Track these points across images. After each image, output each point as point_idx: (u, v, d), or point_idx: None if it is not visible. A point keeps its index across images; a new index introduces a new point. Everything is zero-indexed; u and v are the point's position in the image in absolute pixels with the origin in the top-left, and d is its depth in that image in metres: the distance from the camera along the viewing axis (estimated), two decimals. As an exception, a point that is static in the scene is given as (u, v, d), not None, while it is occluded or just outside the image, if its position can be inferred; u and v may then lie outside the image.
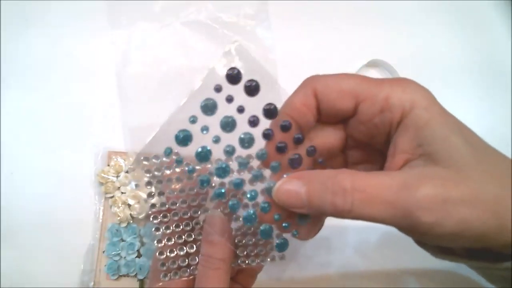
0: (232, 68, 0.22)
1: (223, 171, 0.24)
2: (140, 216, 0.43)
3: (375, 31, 0.54)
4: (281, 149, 0.23)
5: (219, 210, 0.28)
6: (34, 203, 0.45)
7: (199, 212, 0.29)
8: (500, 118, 0.52)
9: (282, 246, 0.27)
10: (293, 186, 0.22)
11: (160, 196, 0.29)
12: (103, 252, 0.42)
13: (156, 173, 0.28)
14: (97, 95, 0.49)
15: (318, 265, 0.44)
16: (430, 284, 0.44)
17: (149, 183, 0.28)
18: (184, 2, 0.49)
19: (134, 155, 0.44)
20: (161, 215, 0.29)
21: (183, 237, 0.30)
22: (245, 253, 0.30)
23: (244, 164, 0.24)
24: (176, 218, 0.29)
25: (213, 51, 0.49)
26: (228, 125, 0.23)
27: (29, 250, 0.43)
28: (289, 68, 0.51)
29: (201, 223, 0.29)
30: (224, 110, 0.22)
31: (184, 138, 0.23)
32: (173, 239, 0.29)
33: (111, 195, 0.44)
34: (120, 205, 0.43)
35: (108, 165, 0.45)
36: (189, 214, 0.29)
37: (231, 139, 0.24)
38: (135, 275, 0.42)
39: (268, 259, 0.30)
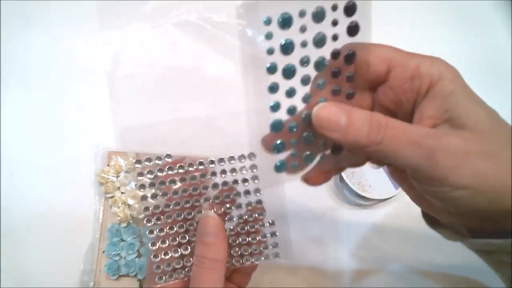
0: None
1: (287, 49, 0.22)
2: (140, 216, 0.43)
3: (375, 31, 0.54)
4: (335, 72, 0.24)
5: (212, 211, 0.29)
6: (34, 203, 0.45)
7: (192, 214, 0.29)
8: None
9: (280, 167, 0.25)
10: (335, 111, 0.23)
11: (154, 199, 0.29)
12: (103, 252, 0.42)
13: (148, 175, 0.28)
14: (97, 95, 0.49)
15: (311, 265, 0.44)
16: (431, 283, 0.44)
17: (141, 186, 0.29)
18: (175, 2, 0.49)
19: (134, 155, 0.45)
20: (154, 217, 0.29)
21: (177, 239, 0.30)
22: (239, 252, 0.30)
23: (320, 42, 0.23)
24: (169, 220, 0.29)
25: (205, 51, 0.50)
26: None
27: (29, 250, 0.43)
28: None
29: (195, 224, 0.30)
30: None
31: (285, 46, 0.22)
32: (167, 241, 0.30)
33: (111, 195, 0.44)
34: (120, 205, 0.43)
35: (108, 165, 0.45)
36: (182, 216, 0.29)
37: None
38: (135, 275, 0.42)
39: (262, 258, 0.31)
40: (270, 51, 0.22)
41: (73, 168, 0.46)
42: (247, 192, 0.30)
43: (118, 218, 0.43)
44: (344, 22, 0.23)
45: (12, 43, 0.51)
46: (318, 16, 0.22)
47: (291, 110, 0.24)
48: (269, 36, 0.21)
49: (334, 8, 0.22)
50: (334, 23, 0.23)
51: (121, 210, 0.43)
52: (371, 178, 0.46)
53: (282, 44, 0.22)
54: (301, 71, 0.23)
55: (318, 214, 0.46)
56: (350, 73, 0.24)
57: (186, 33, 0.48)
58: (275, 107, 0.23)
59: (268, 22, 0.21)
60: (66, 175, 0.46)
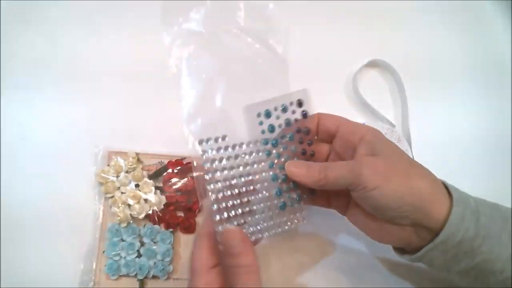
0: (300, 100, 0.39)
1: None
2: (140, 216, 0.43)
3: (375, 31, 0.54)
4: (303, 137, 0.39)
5: (229, 224, 0.34)
6: (34, 203, 0.45)
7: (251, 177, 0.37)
8: (500, 118, 0.52)
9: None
10: (299, 166, 0.36)
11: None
12: (103, 252, 0.42)
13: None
14: (98, 95, 0.49)
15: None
16: None
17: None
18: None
19: (134, 155, 0.45)
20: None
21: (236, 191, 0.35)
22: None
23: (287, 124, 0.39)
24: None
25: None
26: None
27: (29, 250, 0.43)
28: (292, 70, 0.52)
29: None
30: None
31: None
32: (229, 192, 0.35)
33: (111, 195, 0.44)
34: (120, 205, 0.43)
35: (108, 165, 0.45)
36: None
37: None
38: (135, 275, 0.42)
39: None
40: (264, 132, 0.38)
41: (73, 168, 0.46)
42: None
43: (118, 218, 0.43)
44: (299, 110, 0.39)
45: (12, 43, 0.51)
46: (285, 109, 0.39)
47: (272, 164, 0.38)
48: (261, 123, 0.38)
49: (291, 104, 0.39)
50: (293, 112, 0.39)
51: (121, 210, 0.43)
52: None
53: (269, 128, 0.38)
54: (280, 142, 0.38)
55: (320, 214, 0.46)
56: (309, 140, 0.39)
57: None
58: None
59: (258, 115, 0.38)
60: (66, 175, 0.46)
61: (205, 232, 0.34)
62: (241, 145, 0.37)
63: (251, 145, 0.37)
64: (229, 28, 0.49)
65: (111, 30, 0.52)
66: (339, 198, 0.39)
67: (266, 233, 0.36)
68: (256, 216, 0.36)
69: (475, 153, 0.50)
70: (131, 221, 0.43)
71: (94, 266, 0.42)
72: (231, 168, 0.36)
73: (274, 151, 0.38)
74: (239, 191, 0.35)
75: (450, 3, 0.56)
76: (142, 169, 0.45)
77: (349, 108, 0.51)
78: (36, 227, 0.44)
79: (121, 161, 0.45)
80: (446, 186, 0.34)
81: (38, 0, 0.52)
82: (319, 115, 0.39)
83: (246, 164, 0.36)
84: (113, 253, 0.42)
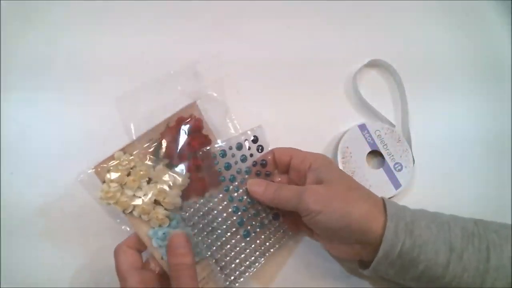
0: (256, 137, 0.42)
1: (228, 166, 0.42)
2: (176, 205, 0.39)
3: (375, 31, 0.54)
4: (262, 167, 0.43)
5: (180, 229, 0.39)
6: (34, 203, 0.45)
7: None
8: (500, 118, 0.52)
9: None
10: (259, 185, 0.40)
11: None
12: (161, 258, 0.39)
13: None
14: (97, 95, 0.49)
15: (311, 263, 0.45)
16: None
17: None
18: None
19: (121, 153, 0.43)
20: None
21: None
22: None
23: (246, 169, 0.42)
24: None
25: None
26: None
27: (29, 250, 0.43)
28: (293, 70, 0.52)
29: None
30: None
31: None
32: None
33: (130, 209, 0.39)
34: (149, 211, 0.39)
35: (104, 182, 0.39)
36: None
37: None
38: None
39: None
40: (220, 170, 0.41)
41: (73, 167, 0.46)
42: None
43: (157, 223, 0.39)
44: (254, 145, 0.42)
45: (12, 43, 0.51)
46: (239, 147, 0.42)
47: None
48: (216, 162, 0.41)
49: (246, 141, 0.42)
50: (249, 148, 0.42)
51: (156, 213, 0.39)
52: (371, 178, 0.46)
53: (225, 166, 0.41)
54: (237, 177, 0.42)
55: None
56: (267, 171, 0.42)
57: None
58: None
59: (214, 156, 0.41)
60: (66, 175, 0.46)
61: (126, 243, 0.38)
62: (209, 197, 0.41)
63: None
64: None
65: (111, 30, 0.52)
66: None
67: (256, 265, 0.41)
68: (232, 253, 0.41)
69: (475, 153, 0.50)
70: (169, 216, 0.40)
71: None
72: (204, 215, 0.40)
73: (231, 186, 0.41)
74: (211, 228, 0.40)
75: (450, 3, 0.56)
76: (141, 160, 0.40)
77: (349, 108, 0.51)
78: (36, 227, 0.44)
79: (114, 174, 0.39)
80: (384, 204, 0.37)
81: (38, 0, 0.52)
82: (274, 150, 0.42)
83: (212, 208, 0.41)
84: None
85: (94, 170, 0.40)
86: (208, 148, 0.41)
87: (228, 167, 0.41)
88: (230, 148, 0.41)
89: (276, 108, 0.50)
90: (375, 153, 0.47)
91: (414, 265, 0.34)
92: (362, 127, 0.47)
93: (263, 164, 0.42)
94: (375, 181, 0.46)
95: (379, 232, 0.35)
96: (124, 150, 0.41)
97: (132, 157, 0.41)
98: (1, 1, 0.52)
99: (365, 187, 0.39)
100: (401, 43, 0.54)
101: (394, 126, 0.49)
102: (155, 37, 0.52)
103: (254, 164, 0.42)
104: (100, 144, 0.46)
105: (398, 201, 0.47)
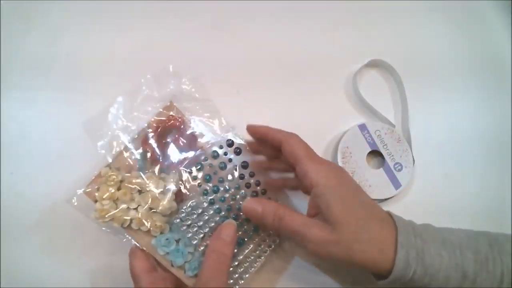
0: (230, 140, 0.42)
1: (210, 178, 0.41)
2: (173, 209, 0.39)
3: (375, 31, 0.54)
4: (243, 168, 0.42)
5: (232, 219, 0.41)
6: (34, 203, 0.45)
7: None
8: (500, 118, 0.52)
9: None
10: (255, 205, 0.38)
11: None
12: (172, 265, 0.39)
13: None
14: (97, 95, 0.48)
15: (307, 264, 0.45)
16: None
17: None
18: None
19: (107, 169, 0.41)
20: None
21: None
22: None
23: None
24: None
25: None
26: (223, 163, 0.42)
27: (29, 250, 0.43)
28: (292, 70, 0.52)
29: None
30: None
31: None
32: None
33: (127, 223, 0.39)
34: (147, 220, 0.39)
35: (96, 201, 0.39)
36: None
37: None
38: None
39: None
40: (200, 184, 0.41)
41: (73, 167, 0.46)
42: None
43: (157, 231, 0.39)
44: (230, 149, 0.41)
45: (12, 43, 0.51)
46: (215, 156, 0.41)
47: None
48: (194, 178, 0.41)
49: (221, 147, 0.41)
50: (225, 153, 0.41)
51: (154, 221, 0.39)
52: (371, 178, 0.46)
53: (206, 178, 0.41)
54: (221, 186, 0.41)
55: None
56: (251, 172, 0.42)
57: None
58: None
59: (190, 172, 0.40)
60: (66, 175, 0.46)
61: (139, 248, 0.39)
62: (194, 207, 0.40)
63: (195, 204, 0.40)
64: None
65: (111, 30, 0.52)
66: None
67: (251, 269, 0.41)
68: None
69: (475, 153, 0.50)
70: (171, 221, 0.40)
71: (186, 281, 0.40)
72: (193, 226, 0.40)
73: (218, 197, 0.41)
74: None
75: (450, 3, 0.56)
76: (128, 171, 0.40)
77: (349, 108, 0.51)
78: (36, 227, 0.44)
79: (105, 187, 0.39)
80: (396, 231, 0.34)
81: (38, 0, 0.52)
82: (284, 139, 0.38)
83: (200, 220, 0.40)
84: (183, 258, 0.39)
85: (83, 191, 0.39)
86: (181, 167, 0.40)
87: (209, 179, 0.40)
88: (205, 159, 0.41)
89: (276, 108, 0.50)
90: (375, 153, 0.47)
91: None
92: (362, 127, 0.47)
93: (244, 166, 0.41)
94: (375, 181, 0.46)
95: (390, 263, 0.33)
96: (109, 165, 0.40)
97: (119, 170, 0.40)
98: (1, 1, 0.52)
99: (373, 202, 0.36)
100: (401, 43, 0.54)
101: (394, 126, 0.49)
102: (155, 37, 0.52)
103: (235, 168, 0.41)
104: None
105: (398, 201, 0.47)
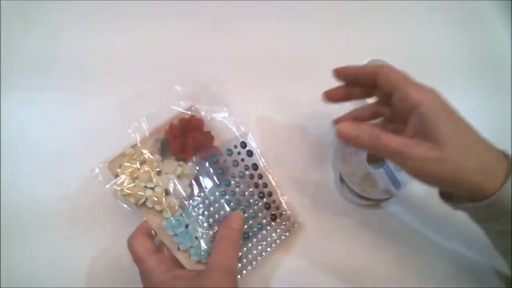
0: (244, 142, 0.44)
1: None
2: (186, 195, 0.41)
3: (375, 31, 0.54)
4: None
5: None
6: (34, 203, 0.45)
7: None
8: (500, 118, 0.52)
9: None
10: (349, 129, 0.36)
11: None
12: (178, 249, 0.40)
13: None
14: (97, 95, 0.49)
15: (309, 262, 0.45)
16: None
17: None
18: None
19: (131, 149, 0.43)
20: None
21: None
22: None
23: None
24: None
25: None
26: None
27: (29, 250, 0.43)
28: (292, 70, 0.52)
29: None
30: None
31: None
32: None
33: (142, 200, 0.40)
34: (163, 200, 0.40)
35: (117, 176, 0.41)
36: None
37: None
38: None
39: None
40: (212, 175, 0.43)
41: (73, 168, 0.46)
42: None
43: (169, 212, 0.40)
44: (243, 150, 0.44)
45: (12, 43, 0.51)
46: (230, 153, 0.44)
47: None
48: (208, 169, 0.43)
49: (236, 147, 0.44)
50: (239, 153, 0.44)
51: (168, 202, 0.40)
52: (371, 179, 0.46)
53: (219, 172, 0.43)
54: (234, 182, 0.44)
55: (319, 214, 0.46)
56: (260, 174, 0.45)
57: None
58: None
59: (208, 163, 0.43)
60: (66, 175, 0.46)
61: (139, 231, 0.40)
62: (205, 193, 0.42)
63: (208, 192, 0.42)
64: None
65: (111, 30, 0.52)
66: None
67: (264, 253, 0.43)
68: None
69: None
70: (183, 206, 0.41)
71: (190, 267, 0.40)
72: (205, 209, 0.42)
73: (229, 190, 0.43)
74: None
75: (450, 3, 0.56)
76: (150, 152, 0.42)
77: (350, 108, 0.51)
78: (36, 227, 0.44)
79: (127, 165, 0.41)
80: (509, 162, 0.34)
81: (38, 0, 0.52)
82: (377, 70, 0.38)
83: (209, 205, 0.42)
84: (190, 241, 0.40)
85: (107, 165, 0.41)
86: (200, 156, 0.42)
87: (221, 173, 0.43)
88: (221, 154, 0.43)
89: (276, 108, 0.50)
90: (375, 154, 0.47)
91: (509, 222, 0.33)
92: None
93: (255, 168, 0.44)
94: (375, 181, 0.46)
95: (496, 188, 0.32)
96: (134, 147, 0.42)
97: (143, 151, 0.42)
98: (1, 1, 0.52)
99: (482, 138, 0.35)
100: (401, 43, 0.54)
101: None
102: (155, 37, 0.52)
103: (247, 168, 0.44)
104: (100, 144, 0.46)
105: (398, 201, 0.47)
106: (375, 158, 0.48)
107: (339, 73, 0.41)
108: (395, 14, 0.55)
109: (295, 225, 0.45)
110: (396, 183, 0.45)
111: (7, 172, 0.46)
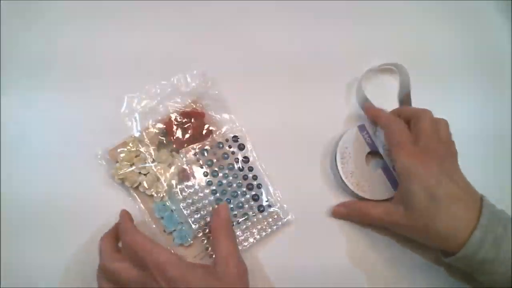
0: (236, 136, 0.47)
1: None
2: (175, 182, 0.44)
3: (375, 31, 0.54)
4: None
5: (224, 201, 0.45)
6: (34, 203, 0.45)
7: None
8: (500, 118, 0.52)
9: None
10: (341, 209, 0.45)
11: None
12: (164, 231, 0.44)
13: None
14: (97, 95, 0.49)
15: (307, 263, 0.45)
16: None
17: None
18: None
19: (133, 138, 0.45)
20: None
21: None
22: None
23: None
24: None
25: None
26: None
27: (30, 250, 0.44)
28: (293, 70, 0.52)
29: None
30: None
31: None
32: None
33: (136, 183, 0.44)
34: (152, 186, 0.44)
35: (117, 162, 0.45)
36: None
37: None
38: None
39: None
40: (201, 166, 0.46)
41: (73, 167, 0.46)
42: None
43: (159, 195, 0.44)
44: (235, 144, 0.47)
45: (12, 43, 0.51)
46: (220, 146, 0.46)
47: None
48: (198, 160, 0.46)
49: (227, 140, 0.47)
50: (230, 146, 0.46)
51: (157, 188, 0.44)
52: (370, 179, 0.46)
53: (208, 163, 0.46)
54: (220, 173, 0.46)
55: (317, 215, 0.46)
56: (250, 167, 0.46)
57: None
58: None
59: (195, 154, 0.46)
60: (66, 175, 0.46)
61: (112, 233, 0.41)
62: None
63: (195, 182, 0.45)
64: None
65: (111, 30, 0.52)
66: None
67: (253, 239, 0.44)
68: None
69: (475, 153, 0.50)
70: (171, 193, 0.44)
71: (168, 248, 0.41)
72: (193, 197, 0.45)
73: (216, 180, 0.45)
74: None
75: (450, 3, 0.56)
76: (147, 145, 0.46)
77: (349, 109, 0.51)
78: (36, 227, 0.44)
79: (126, 151, 0.45)
80: (481, 207, 0.37)
81: (38, 0, 0.52)
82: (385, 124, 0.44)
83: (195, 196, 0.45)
84: (173, 225, 0.43)
85: (108, 150, 0.46)
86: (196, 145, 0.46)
87: (211, 163, 0.45)
88: (212, 147, 0.46)
89: (276, 108, 0.50)
90: (374, 154, 0.47)
91: (489, 273, 0.36)
92: (362, 128, 0.47)
93: (245, 160, 0.46)
94: (374, 181, 0.46)
95: (464, 238, 0.36)
96: (132, 135, 0.46)
97: (141, 142, 0.46)
98: (1, 1, 0.52)
99: (464, 183, 0.40)
100: (401, 43, 0.54)
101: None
102: (155, 36, 0.52)
103: (237, 160, 0.46)
104: (100, 144, 0.46)
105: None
106: (374, 158, 0.48)
107: (367, 111, 0.47)
108: (395, 14, 0.55)
109: (284, 219, 0.45)
110: (395, 184, 0.45)
111: (7, 172, 0.46)
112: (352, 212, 0.44)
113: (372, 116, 0.46)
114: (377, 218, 0.42)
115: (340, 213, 0.45)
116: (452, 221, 0.36)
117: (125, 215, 0.42)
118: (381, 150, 0.47)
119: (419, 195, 0.37)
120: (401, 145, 0.40)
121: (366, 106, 0.47)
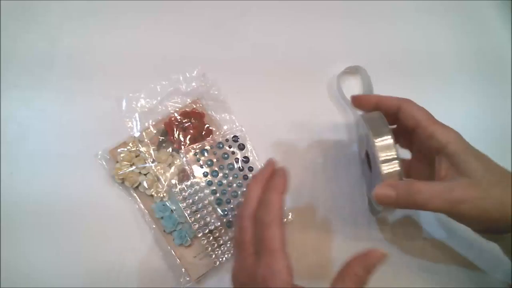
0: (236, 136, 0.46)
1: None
2: (175, 182, 0.44)
3: (375, 31, 0.54)
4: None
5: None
6: (34, 203, 0.45)
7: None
8: (500, 118, 0.52)
9: None
10: (388, 191, 0.35)
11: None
12: (164, 231, 0.44)
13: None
14: (97, 95, 0.49)
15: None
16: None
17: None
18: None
19: (133, 138, 0.45)
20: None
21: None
22: None
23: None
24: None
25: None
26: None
27: (30, 250, 0.44)
28: (293, 70, 0.52)
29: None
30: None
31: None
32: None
33: (136, 183, 0.45)
34: (152, 186, 0.44)
35: (117, 162, 0.45)
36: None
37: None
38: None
39: None
40: (201, 166, 0.45)
41: (73, 167, 0.46)
42: None
43: (160, 195, 0.44)
44: (235, 144, 0.46)
45: (12, 42, 0.51)
46: (220, 146, 0.46)
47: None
48: (198, 159, 0.45)
49: (227, 140, 0.46)
50: (230, 146, 0.46)
51: (157, 188, 0.44)
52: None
53: (208, 163, 0.45)
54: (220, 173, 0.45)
55: (317, 215, 0.46)
56: (250, 167, 0.46)
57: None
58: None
59: (195, 154, 0.45)
60: (66, 174, 0.46)
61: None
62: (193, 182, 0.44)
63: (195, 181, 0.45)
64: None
65: (111, 29, 0.52)
66: None
67: None
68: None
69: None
70: (171, 193, 0.44)
71: (168, 247, 0.43)
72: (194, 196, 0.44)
73: (216, 180, 0.45)
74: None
75: (450, 3, 0.56)
76: (147, 145, 0.46)
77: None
78: (36, 227, 0.44)
79: (124, 151, 0.45)
80: None
81: (38, 0, 0.52)
82: (401, 104, 0.37)
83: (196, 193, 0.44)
84: (173, 224, 0.43)
85: (109, 152, 0.46)
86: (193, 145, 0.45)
87: (211, 163, 0.45)
88: (212, 147, 0.46)
89: (276, 108, 0.50)
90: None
91: None
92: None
93: (245, 160, 0.46)
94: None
95: None
96: (133, 136, 0.46)
97: (141, 143, 0.46)
98: (1, 1, 0.52)
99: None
100: (401, 43, 0.54)
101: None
102: (156, 36, 0.52)
103: (237, 160, 0.46)
104: (100, 144, 0.46)
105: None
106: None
107: (358, 101, 0.40)
108: (394, 14, 0.55)
109: (284, 219, 0.44)
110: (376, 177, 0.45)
111: (7, 172, 0.46)
112: (404, 194, 0.34)
113: (373, 104, 0.40)
114: (436, 197, 0.33)
115: (387, 197, 0.35)
116: None
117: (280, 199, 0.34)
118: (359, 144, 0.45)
119: (479, 163, 0.34)
120: (433, 119, 0.37)
121: (357, 99, 0.41)
